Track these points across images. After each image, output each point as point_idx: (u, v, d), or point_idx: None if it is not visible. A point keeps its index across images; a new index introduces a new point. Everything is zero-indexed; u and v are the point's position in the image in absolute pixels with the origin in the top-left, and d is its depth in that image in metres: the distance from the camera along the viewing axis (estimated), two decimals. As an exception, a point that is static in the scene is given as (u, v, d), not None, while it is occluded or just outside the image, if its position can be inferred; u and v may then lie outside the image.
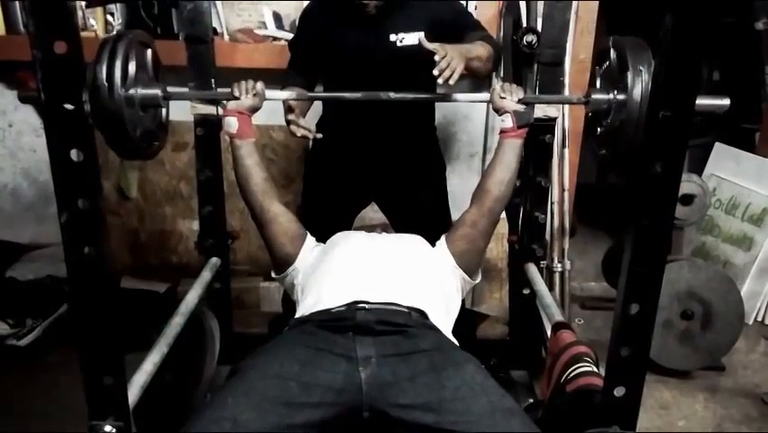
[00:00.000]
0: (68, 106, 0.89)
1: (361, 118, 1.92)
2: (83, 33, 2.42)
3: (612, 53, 1.48)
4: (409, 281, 1.46)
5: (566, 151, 2.60)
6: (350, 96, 1.69)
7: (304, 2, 2.49)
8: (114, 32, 1.41)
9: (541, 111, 1.78)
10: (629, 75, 1.37)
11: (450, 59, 1.54)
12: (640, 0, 3.17)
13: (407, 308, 1.37)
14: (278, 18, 2.55)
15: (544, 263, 2.35)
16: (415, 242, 1.64)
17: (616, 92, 1.44)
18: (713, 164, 3.21)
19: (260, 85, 1.61)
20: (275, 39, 2.53)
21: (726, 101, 1.31)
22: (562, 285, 2.66)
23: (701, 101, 1.33)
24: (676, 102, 0.85)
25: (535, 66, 1.95)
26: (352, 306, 1.35)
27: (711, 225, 3.12)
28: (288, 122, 1.80)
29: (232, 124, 1.57)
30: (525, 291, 1.91)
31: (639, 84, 1.36)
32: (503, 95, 1.60)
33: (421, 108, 2.02)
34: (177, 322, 1.51)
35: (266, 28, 2.55)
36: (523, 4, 2.39)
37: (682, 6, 0.81)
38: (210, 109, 1.78)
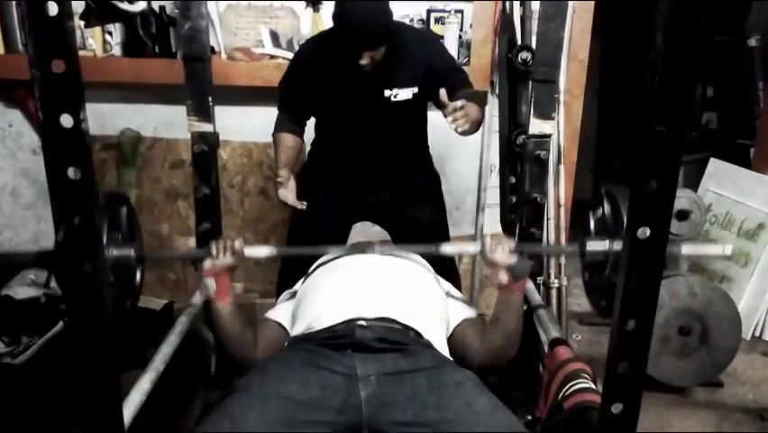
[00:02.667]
0: (66, 125, 0.89)
1: (353, 141, 1.94)
2: (82, 53, 2.44)
3: (605, 204, 1.43)
4: (404, 299, 1.47)
5: (561, 167, 2.61)
6: (332, 250, 1.63)
7: (302, 19, 2.55)
8: None
9: (536, 128, 1.79)
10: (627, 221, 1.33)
11: (466, 110, 1.60)
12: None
13: (403, 325, 1.38)
14: (275, 36, 2.57)
15: (540, 279, 2.36)
16: (412, 263, 1.65)
17: (613, 242, 1.37)
18: (708, 180, 3.22)
19: (237, 243, 1.49)
20: (272, 57, 2.55)
21: (729, 249, 1.29)
22: (559, 301, 2.66)
23: (704, 250, 1.26)
24: (670, 118, 0.86)
25: (530, 83, 1.96)
26: (351, 324, 1.35)
27: (707, 241, 3.12)
28: (278, 185, 1.80)
29: (209, 286, 1.48)
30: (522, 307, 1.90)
31: None
32: (494, 247, 1.48)
33: (413, 135, 2.04)
34: (172, 340, 1.50)
35: (263, 46, 2.56)
36: (518, 22, 2.41)
37: (673, 23, 0.82)
38: (207, 127, 1.79)
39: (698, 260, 3.13)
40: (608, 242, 1.39)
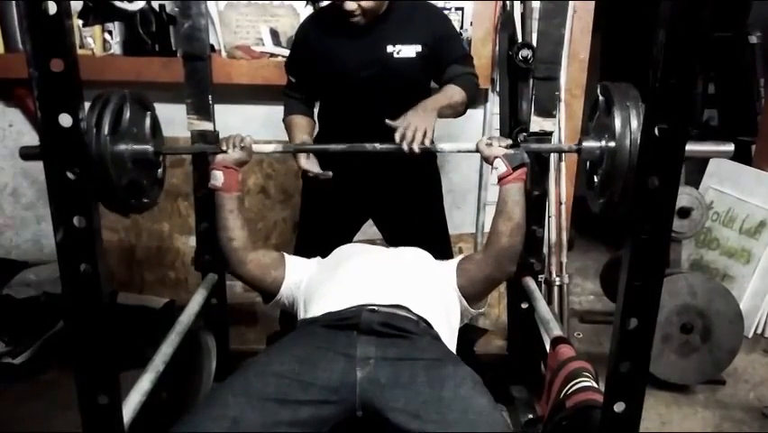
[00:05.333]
0: (65, 124, 0.89)
1: (358, 135, 1.92)
2: (80, 51, 2.43)
3: (601, 100, 1.46)
4: (417, 291, 1.47)
5: (562, 164, 2.61)
6: (335, 147, 1.69)
7: (302, 16, 2.54)
8: (108, 90, 1.43)
9: (537, 125, 1.79)
10: (617, 121, 1.35)
11: (410, 130, 1.58)
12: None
13: (416, 315, 1.38)
14: (275, 35, 2.56)
15: (542, 277, 2.35)
16: (420, 254, 1.65)
17: (607, 138, 1.41)
18: (710, 177, 3.21)
19: (248, 139, 1.62)
20: (272, 55, 2.54)
21: (731, 147, 1.30)
22: (561, 299, 2.66)
23: (706, 147, 1.33)
24: (672, 115, 0.85)
25: (531, 80, 1.96)
26: (361, 307, 1.36)
27: (709, 239, 3.12)
28: (302, 166, 1.83)
29: (218, 177, 1.58)
30: (524, 306, 1.90)
31: (628, 130, 1.33)
32: (489, 142, 1.58)
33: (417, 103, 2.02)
34: (173, 339, 1.50)
35: (263, 45, 2.56)
36: (518, 20, 2.41)
37: (675, 21, 0.81)
38: (207, 125, 1.79)
39: (698, 258, 3.13)
40: (603, 141, 1.43)
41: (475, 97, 1.90)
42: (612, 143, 1.38)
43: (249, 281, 1.61)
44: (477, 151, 1.61)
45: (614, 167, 1.37)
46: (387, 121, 1.62)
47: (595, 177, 1.51)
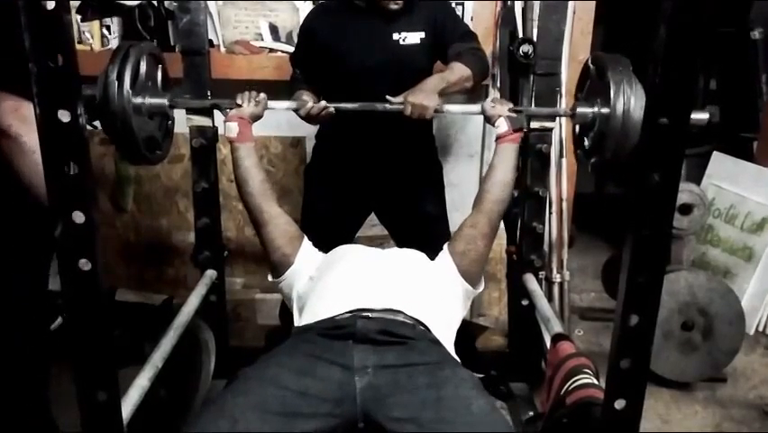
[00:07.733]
0: (64, 119, 0.88)
1: (359, 128, 1.92)
2: (79, 47, 2.42)
3: (593, 69, 1.58)
4: (413, 293, 1.46)
5: (563, 160, 2.60)
6: (348, 106, 1.73)
7: (301, 12, 2.53)
8: (126, 43, 1.54)
9: (538, 122, 1.79)
10: (611, 88, 1.47)
11: (413, 109, 1.71)
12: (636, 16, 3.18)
13: (412, 318, 1.37)
14: (274, 30, 2.55)
15: (542, 274, 2.35)
16: (416, 256, 1.64)
17: (599, 104, 1.54)
18: (711, 173, 3.21)
19: (262, 94, 1.66)
20: (271, 50, 2.54)
21: (706, 115, 1.46)
22: (562, 296, 2.65)
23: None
24: (673, 111, 0.85)
25: (531, 76, 1.96)
26: (355, 314, 1.34)
27: (711, 235, 3.11)
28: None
29: (232, 128, 1.62)
30: (524, 303, 1.90)
31: (620, 96, 1.46)
32: (493, 104, 1.68)
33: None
34: (171, 336, 1.50)
35: (262, 40, 2.55)
36: (519, 15, 2.40)
37: (676, 16, 0.81)
38: (206, 121, 1.78)
39: (700, 255, 3.12)
40: (596, 105, 1.57)
41: (485, 70, 1.96)
42: (605, 109, 1.51)
43: (264, 242, 1.59)
44: (482, 112, 1.71)
45: (606, 130, 1.51)
46: (387, 97, 1.74)
47: (585, 139, 1.65)
